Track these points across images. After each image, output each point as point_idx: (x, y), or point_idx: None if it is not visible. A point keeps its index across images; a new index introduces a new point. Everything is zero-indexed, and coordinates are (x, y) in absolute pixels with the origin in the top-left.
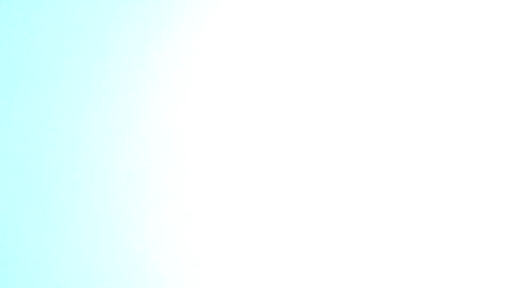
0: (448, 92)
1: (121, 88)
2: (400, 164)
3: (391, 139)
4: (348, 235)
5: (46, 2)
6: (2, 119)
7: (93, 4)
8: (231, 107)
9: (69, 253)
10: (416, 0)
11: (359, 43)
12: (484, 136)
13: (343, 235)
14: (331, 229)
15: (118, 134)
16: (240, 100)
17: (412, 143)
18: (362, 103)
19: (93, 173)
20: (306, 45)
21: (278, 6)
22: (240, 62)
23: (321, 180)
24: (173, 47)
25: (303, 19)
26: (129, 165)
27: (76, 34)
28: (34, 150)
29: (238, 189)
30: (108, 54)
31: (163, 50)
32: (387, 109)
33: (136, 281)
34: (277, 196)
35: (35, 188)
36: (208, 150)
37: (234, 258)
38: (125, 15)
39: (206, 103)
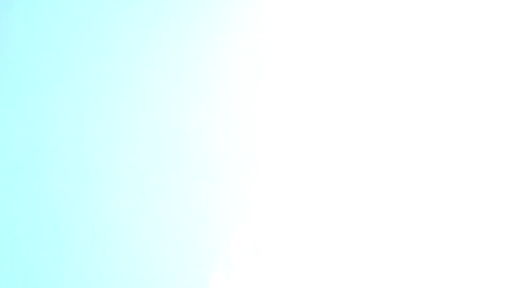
0: (448, 92)
1: (120, 87)
2: (401, 164)
3: (398, 141)
4: (351, 235)
5: (47, 2)
6: (2, 119)
7: (95, 3)
8: (231, 107)
9: (69, 253)
10: (416, 0)
11: (362, 44)
12: (484, 136)
13: (345, 235)
14: (332, 229)
15: (117, 134)
16: (241, 99)
17: (412, 143)
18: (365, 104)
19: (92, 173)
20: (307, 46)
21: (278, 6)
22: (244, 61)
23: (324, 181)
24: (174, 46)
25: (305, 20)
26: (129, 165)
27: (75, 34)
28: (33, 150)
29: (239, 189)
30: (108, 54)
31: (164, 50)
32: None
33: (136, 281)
34: (276, 196)
35: (35, 188)
36: (208, 149)
37: (234, 258)
38: (124, 14)
39: (206, 103)
